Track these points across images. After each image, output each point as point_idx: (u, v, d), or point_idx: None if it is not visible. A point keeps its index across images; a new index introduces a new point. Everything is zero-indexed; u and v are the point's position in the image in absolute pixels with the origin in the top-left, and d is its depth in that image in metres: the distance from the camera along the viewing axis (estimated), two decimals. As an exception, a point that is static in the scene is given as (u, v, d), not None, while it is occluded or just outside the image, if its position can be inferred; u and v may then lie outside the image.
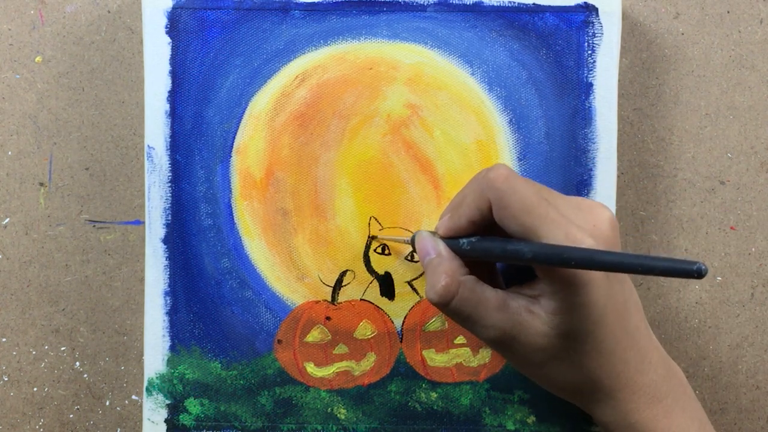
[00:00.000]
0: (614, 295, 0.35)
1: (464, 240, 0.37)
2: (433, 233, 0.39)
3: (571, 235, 0.33)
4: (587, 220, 0.35)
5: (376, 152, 0.44)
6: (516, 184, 0.35)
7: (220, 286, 0.44)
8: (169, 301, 0.44)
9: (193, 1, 0.44)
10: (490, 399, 0.44)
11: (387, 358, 0.44)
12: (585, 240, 0.33)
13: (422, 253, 0.38)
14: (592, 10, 0.43)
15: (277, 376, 0.44)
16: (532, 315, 0.35)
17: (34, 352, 0.46)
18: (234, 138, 0.44)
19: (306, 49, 0.44)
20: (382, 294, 0.44)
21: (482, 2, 0.44)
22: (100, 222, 0.46)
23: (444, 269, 0.36)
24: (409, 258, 0.44)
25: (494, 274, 0.40)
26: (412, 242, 0.39)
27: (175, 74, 0.44)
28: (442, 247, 0.37)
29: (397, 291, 0.44)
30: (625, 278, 0.36)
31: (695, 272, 0.26)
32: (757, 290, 0.46)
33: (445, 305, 0.36)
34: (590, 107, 0.44)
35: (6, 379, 0.46)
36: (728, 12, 0.46)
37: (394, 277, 0.44)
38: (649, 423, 0.36)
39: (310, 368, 0.44)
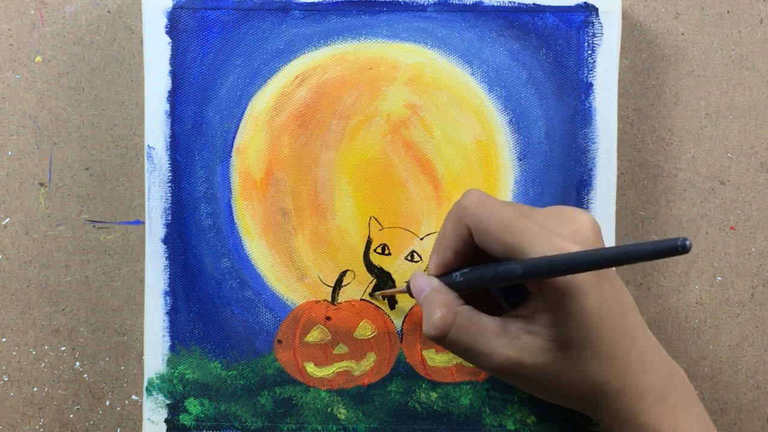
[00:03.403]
0: (607, 298, 0.35)
1: (456, 273, 0.37)
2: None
3: (554, 244, 0.33)
4: (568, 227, 0.35)
5: (376, 152, 0.44)
6: (490, 205, 0.35)
7: (220, 286, 0.44)
8: (169, 301, 0.44)
9: (193, 1, 0.44)
10: (490, 399, 0.44)
11: (387, 358, 0.44)
12: (569, 246, 0.33)
13: (417, 291, 0.38)
14: (592, 10, 0.43)
15: (277, 376, 0.44)
16: (531, 335, 0.35)
17: (34, 352, 0.46)
18: (234, 138, 0.44)
19: (306, 49, 0.44)
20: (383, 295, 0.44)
21: (482, 2, 0.44)
22: (100, 222, 0.46)
23: (439, 301, 0.36)
24: (409, 258, 0.44)
25: (493, 303, 0.40)
26: (408, 288, 0.40)
27: (175, 74, 0.44)
28: (435, 282, 0.38)
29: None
30: (617, 280, 0.36)
31: (680, 248, 0.26)
32: (757, 290, 0.46)
33: (443, 337, 0.36)
34: (590, 107, 0.44)
35: (6, 379, 0.46)
36: (728, 12, 0.46)
37: (394, 277, 0.44)
38: (655, 425, 0.36)
39: (310, 368, 0.44)
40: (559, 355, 0.35)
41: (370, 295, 0.44)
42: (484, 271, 0.35)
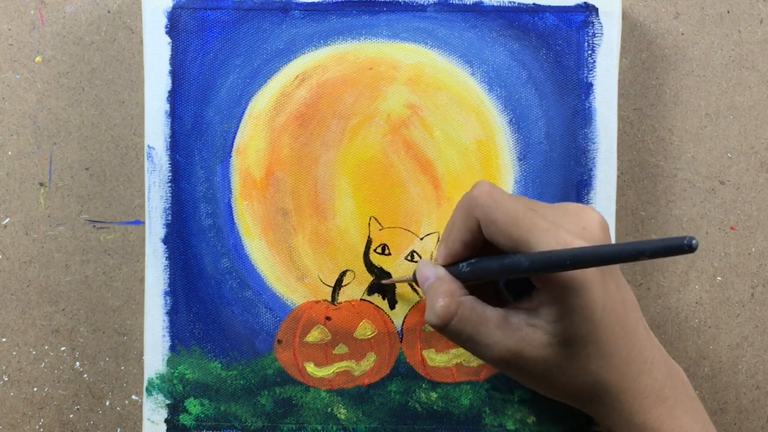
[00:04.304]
0: (612, 295, 0.35)
1: (463, 264, 0.37)
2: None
3: (561, 239, 0.33)
4: (576, 224, 0.35)
5: (376, 152, 0.44)
6: (500, 198, 0.35)
7: (220, 286, 0.44)
8: (169, 301, 0.44)
9: (193, 1, 0.44)
10: (490, 399, 0.44)
11: (387, 358, 0.44)
12: (576, 242, 0.33)
13: (422, 279, 0.38)
14: (592, 10, 0.43)
15: (277, 376, 0.44)
16: (533, 328, 0.35)
17: (34, 352, 0.46)
18: (234, 138, 0.44)
19: (306, 49, 0.44)
20: (383, 296, 0.44)
21: (482, 2, 0.44)
22: (100, 222, 0.46)
23: (443, 290, 0.36)
24: (409, 258, 0.44)
25: (499, 296, 0.40)
26: (415, 277, 0.40)
27: (175, 74, 0.44)
28: (441, 271, 0.38)
29: (397, 291, 0.44)
30: (621, 278, 0.36)
31: (686, 246, 0.26)
32: (757, 290, 0.46)
33: (445, 326, 0.36)
34: (590, 107, 0.44)
35: (6, 379, 0.46)
36: (728, 12, 0.46)
37: (393, 277, 0.44)
38: (654, 424, 0.36)
39: (310, 368, 0.44)
40: (560, 350, 0.35)
41: (379, 284, 0.44)
42: (490, 263, 0.35)
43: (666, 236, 0.26)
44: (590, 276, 0.34)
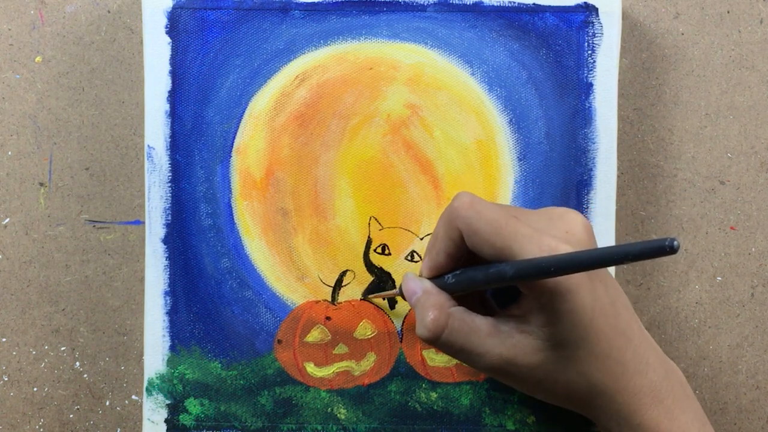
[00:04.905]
0: (600, 297, 0.35)
1: (448, 275, 0.37)
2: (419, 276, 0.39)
3: (545, 245, 0.33)
4: (559, 228, 0.35)
5: (376, 152, 0.44)
6: (481, 208, 0.35)
7: (220, 286, 0.44)
8: (169, 301, 0.44)
9: (193, 1, 0.44)
10: (490, 399, 0.44)
11: (387, 358, 0.44)
12: (560, 247, 0.33)
13: (409, 294, 0.38)
14: (592, 10, 0.43)
15: (277, 376, 0.44)
16: (524, 334, 0.35)
17: (34, 352, 0.46)
18: (234, 138, 0.44)
19: (306, 49, 0.44)
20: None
21: (482, 2, 0.44)
22: (100, 222, 0.46)
23: (431, 303, 0.36)
24: (409, 258, 0.44)
25: (485, 304, 0.40)
26: (401, 290, 0.40)
27: (175, 74, 0.44)
28: (427, 284, 0.38)
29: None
30: (610, 279, 0.36)
31: (668, 248, 0.26)
32: (757, 290, 0.46)
33: (437, 339, 0.36)
34: (590, 107, 0.44)
35: (6, 379, 0.46)
36: (728, 12, 0.46)
37: (394, 277, 0.44)
38: (651, 424, 0.36)
39: (310, 368, 0.44)
40: (552, 355, 0.35)
41: (363, 297, 0.44)
42: (475, 273, 0.35)
43: (661, 237, 0.26)
44: (577, 280, 0.33)
